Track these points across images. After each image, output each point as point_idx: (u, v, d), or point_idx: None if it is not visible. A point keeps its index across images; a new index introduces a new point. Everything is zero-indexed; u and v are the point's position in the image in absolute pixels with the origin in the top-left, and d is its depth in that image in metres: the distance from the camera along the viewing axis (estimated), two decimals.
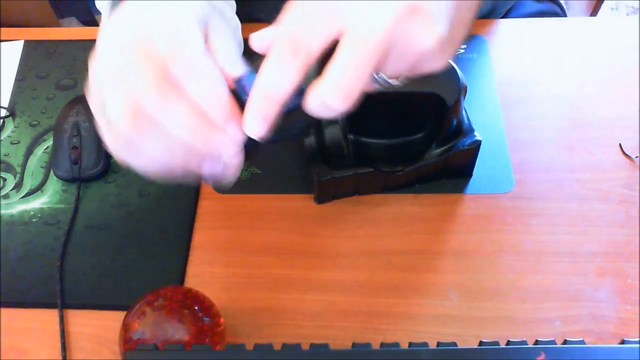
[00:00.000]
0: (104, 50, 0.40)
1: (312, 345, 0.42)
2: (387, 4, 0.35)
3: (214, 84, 0.38)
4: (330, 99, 0.35)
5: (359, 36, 0.35)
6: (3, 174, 0.66)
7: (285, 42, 0.36)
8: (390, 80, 0.40)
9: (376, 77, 0.39)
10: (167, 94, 0.37)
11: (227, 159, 0.39)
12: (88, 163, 0.64)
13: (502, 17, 0.85)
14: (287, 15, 0.37)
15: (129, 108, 0.38)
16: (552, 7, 0.90)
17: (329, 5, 0.36)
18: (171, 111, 0.37)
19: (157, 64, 0.38)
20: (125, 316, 0.51)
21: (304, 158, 0.62)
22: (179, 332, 0.49)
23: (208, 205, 0.63)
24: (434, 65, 0.39)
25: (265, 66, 0.36)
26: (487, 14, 0.82)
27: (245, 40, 0.41)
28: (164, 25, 0.39)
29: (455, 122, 0.58)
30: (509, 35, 0.73)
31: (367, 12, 0.35)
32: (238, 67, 0.40)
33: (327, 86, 0.35)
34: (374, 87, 0.40)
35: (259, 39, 0.39)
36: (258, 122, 0.37)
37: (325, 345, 0.42)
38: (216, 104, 0.38)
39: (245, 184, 0.64)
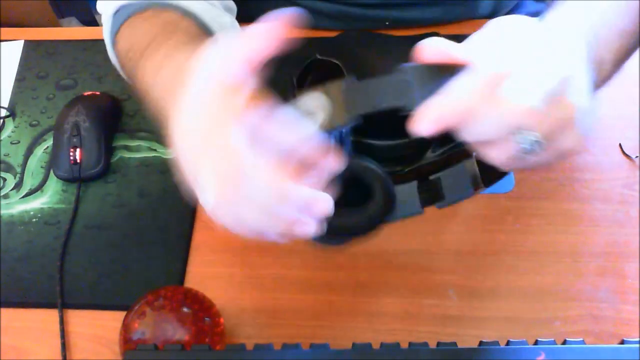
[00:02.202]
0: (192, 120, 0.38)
1: (312, 345, 0.42)
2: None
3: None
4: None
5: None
6: (3, 174, 0.66)
7: (483, 84, 0.36)
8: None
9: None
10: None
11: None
12: (88, 163, 0.64)
13: None
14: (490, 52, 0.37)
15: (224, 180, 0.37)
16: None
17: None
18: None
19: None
20: (125, 316, 0.51)
21: None
22: (179, 332, 0.49)
23: None
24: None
25: (459, 87, 0.37)
26: (489, 15, 0.82)
27: None
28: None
29: None
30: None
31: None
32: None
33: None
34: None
35: (434, 49, 0.38)
36: (430, 121, 0.37)
37: (325, 345, 0.42)
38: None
39: None
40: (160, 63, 0.48)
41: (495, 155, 0.40)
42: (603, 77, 0.47)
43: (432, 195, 0.47)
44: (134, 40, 0.55)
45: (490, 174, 0.57)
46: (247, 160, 0.35)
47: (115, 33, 0.59)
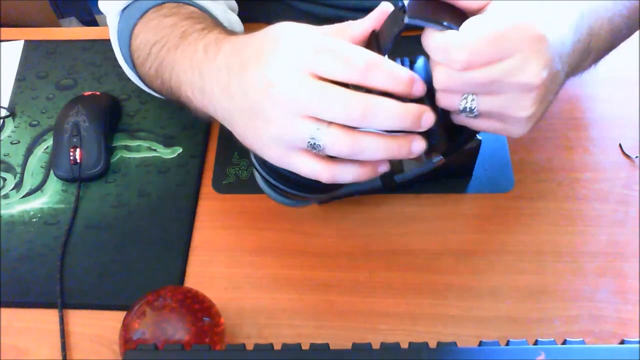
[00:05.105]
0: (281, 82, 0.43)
1: (312, 345, 0.42)
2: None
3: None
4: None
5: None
6: (3, 174, 0.66)
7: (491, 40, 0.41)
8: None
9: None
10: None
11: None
12: (88, 163, 0.64)
13: None
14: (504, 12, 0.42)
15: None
16: None
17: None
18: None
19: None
20: (125, 316, 0.51)
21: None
22: (179, 332, 0.49)
23: (208, 205, 0.63)
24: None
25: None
26: None
27: None
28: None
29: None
30: None
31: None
32: None
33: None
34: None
35: None
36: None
37: (325, 345, 0.42)
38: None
39: (245, 184, 0.64)
40: (216, 37, 0.51)
41: (444, 104, 0.46)
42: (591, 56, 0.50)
43: (392, 167, 0.50)
44: (161, 33, 0.56)
45: (448, 145, 0.59)
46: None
47: (131, 31, 0.59)
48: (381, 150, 0.44)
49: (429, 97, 0.45)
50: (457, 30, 0.42)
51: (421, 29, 0.44)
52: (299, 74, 0.42)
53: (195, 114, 0.54)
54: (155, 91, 0.63)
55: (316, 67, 0.42)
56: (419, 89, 0.43)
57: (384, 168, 0.47)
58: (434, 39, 0.43)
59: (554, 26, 0.43)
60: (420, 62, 0.50)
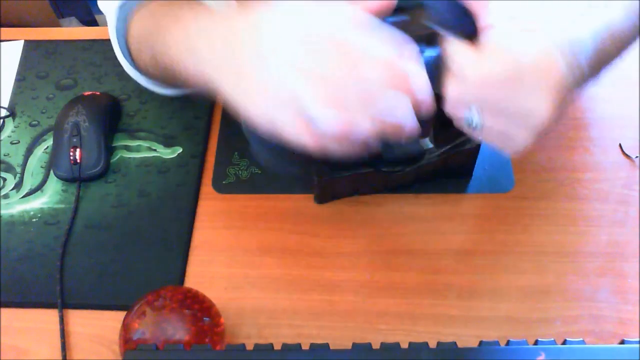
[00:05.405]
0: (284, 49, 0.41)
1: (312, 345, 0.42)
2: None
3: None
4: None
5: None
6: (3, 174, 0.66)
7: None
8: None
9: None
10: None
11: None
12: (88, 163, 0.64)
13: None
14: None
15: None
16: None
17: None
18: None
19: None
20: (125, 316, 0.51)
21: (304, 158, 0.62)
22: (179, 332, 0.49)
23: (208, 205, 0.63)
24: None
25: None
26: None
27: None
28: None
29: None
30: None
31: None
32: None
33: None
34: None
35: None
36: None
37: (325, 345, 0.42)
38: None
39: (245, 184, 0.64)
40: (210, 10, 0.50)
41: (449, 111, 0.46)
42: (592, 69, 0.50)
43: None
44: (156, 22, 0.57)
45: (454, 170, 0.58)
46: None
47: (126, 24, 0.59)
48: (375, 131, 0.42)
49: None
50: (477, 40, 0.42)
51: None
52: (300, 39, 0.41)
53: (193, 89, 0.54)
54: (153, 80, 0.63)
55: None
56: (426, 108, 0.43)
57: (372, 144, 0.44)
58: (454, 51, 0.43)
59: (574, 44, 0.43)
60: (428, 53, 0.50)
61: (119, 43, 0.62)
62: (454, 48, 0.44)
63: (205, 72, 0.48)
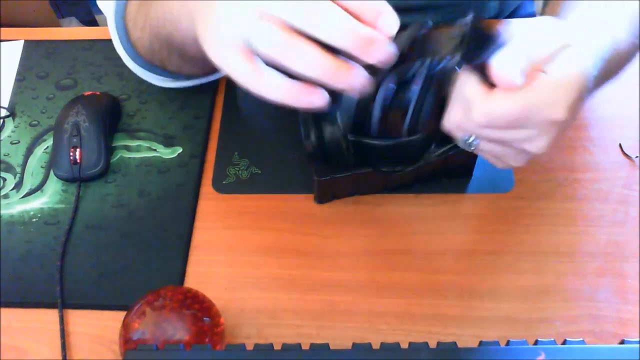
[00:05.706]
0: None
1: (312, 345, 0.42)
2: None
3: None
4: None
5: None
6: (3, 174, 0.66)
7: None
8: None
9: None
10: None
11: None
12: (88, 163, 0.64)
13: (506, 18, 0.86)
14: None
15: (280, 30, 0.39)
16: None
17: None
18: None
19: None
20: (125, 316, 0.51)
21: (303, 158, 0.62)
22: (179, 332, 0.49)
23: (208, 205, 0.63)
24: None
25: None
26: (495, 16, 0.82)
27: None
28: None
29: None
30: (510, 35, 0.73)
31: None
32: None
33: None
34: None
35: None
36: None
37: (325, 345, 0.42)
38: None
39: (245, 184, 0.64)
40: None
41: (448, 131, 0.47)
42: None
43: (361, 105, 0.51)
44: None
45: (454, 170, 0.61)
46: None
47: (123, 15, 0.61)
48: (316, 64, 0.39)
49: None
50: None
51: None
52: None
53: (183, 46, 0.54)
54: (150, 62, 0.63)
55: None
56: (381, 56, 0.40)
57: (317, 99, 0.41)
58: (465, 82, 0.44)
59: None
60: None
61: (118, 33, 0.62)
62: (465, 79, 0.44)
63: (189, 11, 0.49)
